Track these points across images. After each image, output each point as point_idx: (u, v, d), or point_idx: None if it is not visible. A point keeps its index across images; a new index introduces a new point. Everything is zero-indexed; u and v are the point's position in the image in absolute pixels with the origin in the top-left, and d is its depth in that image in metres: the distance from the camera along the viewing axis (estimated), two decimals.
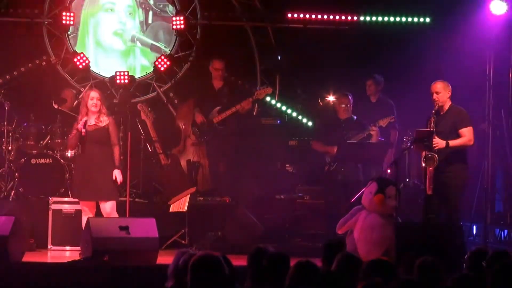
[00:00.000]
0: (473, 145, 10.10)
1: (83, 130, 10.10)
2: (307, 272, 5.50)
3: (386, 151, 11.69)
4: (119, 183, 10.21)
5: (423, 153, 9.80)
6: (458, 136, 9.86)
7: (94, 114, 10.24)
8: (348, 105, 11.55)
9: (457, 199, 9.92)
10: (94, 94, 10.32)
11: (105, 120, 10.25)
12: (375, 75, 12.48)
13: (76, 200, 10.83)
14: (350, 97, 11.65)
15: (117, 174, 10.16)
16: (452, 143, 9.78)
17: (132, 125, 11.60)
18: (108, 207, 10.13)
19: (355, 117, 11.63)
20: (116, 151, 10.27)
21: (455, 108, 9.97)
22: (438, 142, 9.72)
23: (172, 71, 13.61)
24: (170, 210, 11.24)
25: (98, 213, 10.22)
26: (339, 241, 6.93)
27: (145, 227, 9.41)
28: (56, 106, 12.14)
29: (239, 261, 6.30)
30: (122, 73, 13.20)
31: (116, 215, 10.18)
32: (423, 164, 9.78)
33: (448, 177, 9.80)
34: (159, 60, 13.41)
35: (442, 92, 9.89)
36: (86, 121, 10.17)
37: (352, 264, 5.89)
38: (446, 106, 9.93)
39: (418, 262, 6.10)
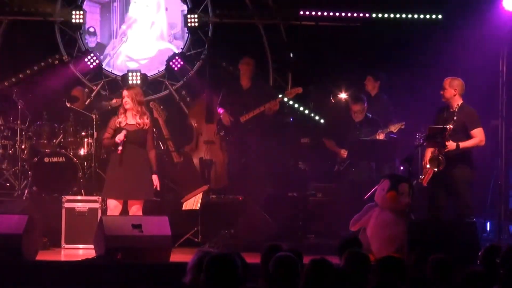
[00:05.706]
0: (485, 142, 10.09)
1: (120, 149, 9.86)
2: (322, 269, 5.50)
3: (396, 149, 11.65)
4: (158, 189, 10.06)
5: (429, 154, 9.88)
6: (468, 136, 9.92)
7: (130, 112, 10.00)
8: (363, 109, 11.53)
9: (467, 194, 9.95)
10: (124, 92, 10.13)
11: (146, 123, 10.02)
12: (376, 72, 12.41)
13: (89, 198, 10.85)
14: (365, 99, 11.61)
15: (154, 179, 9.97)
16: (463, 145, 9.88)
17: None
18: (136, 208, 9.98)
19: (370, 115, 11.61)
20: (153, 154, 10.06)
21: (465, 108, 10.02)
22: (449, 145, 9.76)
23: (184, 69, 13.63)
24: (183, 208, 11.24)
25: (124, 213, 10.12)
26: (354, 237, 6.90)
27: (158, 225, 9.39)
28: (68, 105, 12.17)
29: (252, 259, 6.29)
30: (134, 73, 13.22)
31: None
32: (428, 166, 9.87)
33: (456, 172, 9.89)
34: (173, 60, 13.41)
35: (447, 88, 10.03)
36: (126, 133, 9.86)
37: (360, 260, 5.89)
38: (455, 104, 9.98)
39: (431, 259, 6.10)
